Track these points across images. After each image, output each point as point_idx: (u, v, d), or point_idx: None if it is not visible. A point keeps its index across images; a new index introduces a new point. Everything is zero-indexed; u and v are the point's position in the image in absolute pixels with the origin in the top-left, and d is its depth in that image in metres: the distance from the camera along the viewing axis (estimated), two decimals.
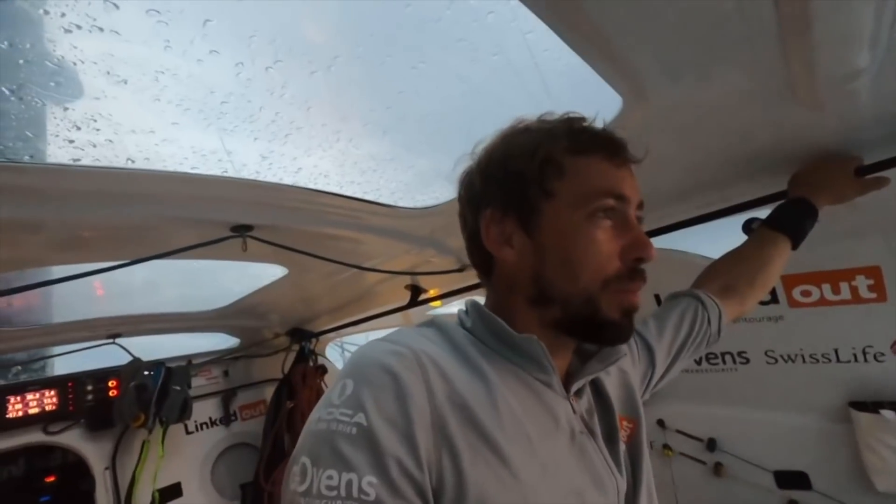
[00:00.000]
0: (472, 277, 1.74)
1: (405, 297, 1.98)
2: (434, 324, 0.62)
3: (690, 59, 0.72)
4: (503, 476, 0.49)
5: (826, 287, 1.78)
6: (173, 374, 1.85)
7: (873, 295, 1.70)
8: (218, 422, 2.15)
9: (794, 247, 0.98)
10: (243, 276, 1.95)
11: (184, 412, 1.82)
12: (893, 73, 0.78)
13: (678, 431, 2.24)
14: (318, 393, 2.12)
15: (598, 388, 0.69)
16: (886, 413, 1.69)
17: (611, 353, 0.64)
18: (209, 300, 2.00)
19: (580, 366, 0.64)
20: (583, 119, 0.63)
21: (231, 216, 1.07)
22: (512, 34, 0.65)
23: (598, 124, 0.64)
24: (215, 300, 2.01)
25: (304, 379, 2.10)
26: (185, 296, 1.91)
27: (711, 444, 2.16)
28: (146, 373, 1.81)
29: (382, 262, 1.68)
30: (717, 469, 2.13)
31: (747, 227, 1.09)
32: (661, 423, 2.28)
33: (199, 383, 2.13)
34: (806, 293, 1.83)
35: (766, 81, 0.79)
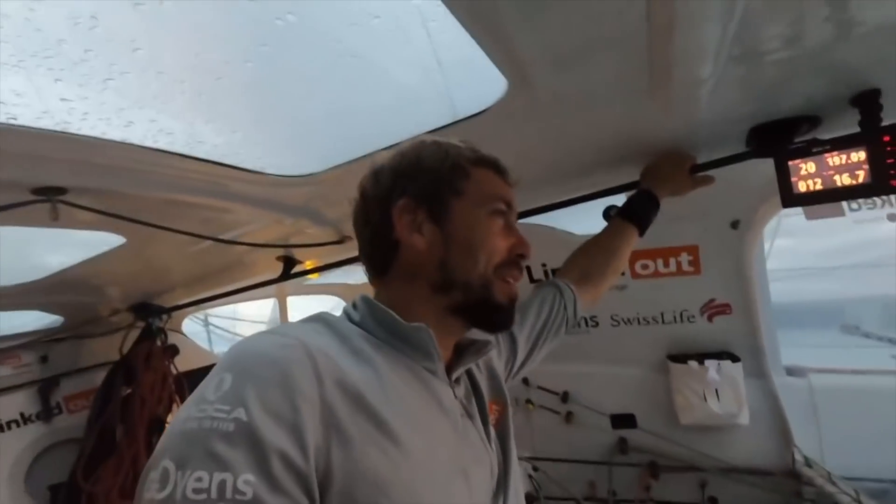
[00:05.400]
0: (352, 250, 1.66)
1: (278, 269, 1.82)
2: (321, 318, 0.62)
3: (572, 51, 0.74)
4: (395, 457, 0.51)
5: (660, 261, 2.10)
6: None
7: (692, 268, 2.06)
8: (33, 417, 1.76)
9: (641, 234, 1.12)
10: (65, 245, 1.59)
11: None
12: (726, 85, 0.89)
13: (539, 387, 2.51)
14: (165, 377, 1.86)
15: (470, 377, 0.74)
16: (691, 363, 2.09)
17: (484, 346, 0.71)
18: (13, 273, 1.59)
19: (457, 358, 0.70)
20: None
21: (31, 176, 0.82)
22: None
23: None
24: (23, 273, 1.61)
25: (147, 360, 1.81)
26: None
27: (565, 397, 2.47)
28: None
29: (250, 232, 1.51)
30: (568, 417, 2.46)
31: (606, 213, 1.20)
32: (525, 381, 2.53)
33: (2, 373, 1.71)
34: (645, 266, 2.14)
35: (632, 81, 0.85)
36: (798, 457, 1.98)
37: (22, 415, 1.76)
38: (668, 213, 1.95)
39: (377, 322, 0.62)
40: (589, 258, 1.09)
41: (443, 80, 0.83)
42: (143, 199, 1.13)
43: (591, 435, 2.40)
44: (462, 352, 0.70)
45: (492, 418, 0.71)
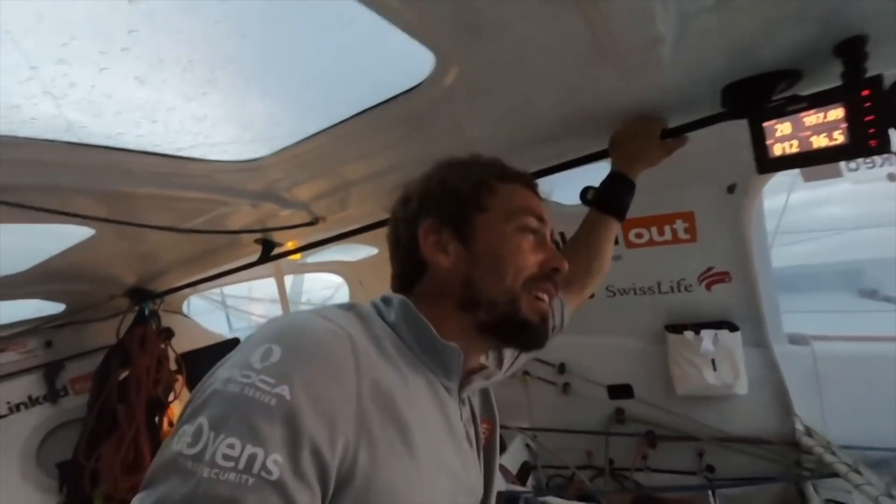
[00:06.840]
0: (327, 230, 1.64)
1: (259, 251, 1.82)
2: (353, 309, 0.61)
3: (491, 19, 0.67)
4: (410, 471, 0.51)
5: (654, 230, 2.01)
6: None
7: (688, 236, 1.96)
8: (40, 399, 1.87)
9: (622, 220, 1.07)
10: (52, 235, 1.62)
11: None
12: (690, 41, 0.80)
13: (536, 359, 2.50)
14: (161, 359, 1.93)
15: (468, 399, 0.72)
16: (687, 333, 2.03)
17: (493, 372, 0.72)
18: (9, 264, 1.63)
19: (467, 380, 0.68)
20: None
21: None
22: None
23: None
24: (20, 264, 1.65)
25: (142, 344, 1.87)
26: None
27: (562, 368, 2.45)
28: None
29: (222, 216, 1.50)
30: (565, 388, 2.45)
31: (583, 196, 1.12)
32: None
33: (9, 359, 1.81)
34: (639, 235, 2.05)
35: (574, 45, 0.77)
36: (799, 426, 1.92)
37: (30, 397, 1.86)
38: (661, 179, 1.86)
39: (410, 329, 0.61)
40: (573, 262, 1.07)
41: (368, 57, 0.77)
42: (102, 193, 1.13)
43: (588, 405, 2.39)
44: (471, 374, 0.69)
45: (482, 438, 0.71)
